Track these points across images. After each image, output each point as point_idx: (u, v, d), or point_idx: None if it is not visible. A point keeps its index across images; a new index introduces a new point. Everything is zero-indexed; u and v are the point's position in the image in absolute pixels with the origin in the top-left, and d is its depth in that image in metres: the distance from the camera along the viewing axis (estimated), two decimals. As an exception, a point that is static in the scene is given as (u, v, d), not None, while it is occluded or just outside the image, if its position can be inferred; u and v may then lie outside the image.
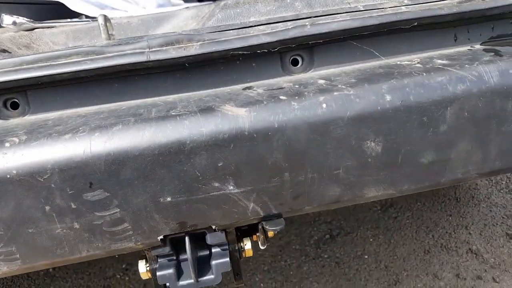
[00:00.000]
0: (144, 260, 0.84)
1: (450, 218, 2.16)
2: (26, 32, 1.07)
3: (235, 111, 0.70)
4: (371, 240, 2.11)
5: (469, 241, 2.00)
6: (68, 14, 1.30)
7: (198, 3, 1.40)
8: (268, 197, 0.74)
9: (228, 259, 0.78)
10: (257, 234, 0.90)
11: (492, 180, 2.39)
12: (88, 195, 0.68)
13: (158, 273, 0.78)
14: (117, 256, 2.16)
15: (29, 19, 1.09)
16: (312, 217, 2.31)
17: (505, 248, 1.93)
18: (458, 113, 0.74)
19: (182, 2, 1.47)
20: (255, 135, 0.70)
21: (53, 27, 1.09)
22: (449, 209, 2.23)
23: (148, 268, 0.83)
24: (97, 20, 0.90)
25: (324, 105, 0.71)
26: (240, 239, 0.87)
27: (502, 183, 2.35)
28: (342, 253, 2.05)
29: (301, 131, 0.71)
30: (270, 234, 0.92)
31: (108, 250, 0.73)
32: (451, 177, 0.78)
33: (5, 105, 0.77)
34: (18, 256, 0.71)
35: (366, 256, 2.01)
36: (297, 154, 0.72)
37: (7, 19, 1.08)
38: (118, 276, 2.08)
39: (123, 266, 2.13)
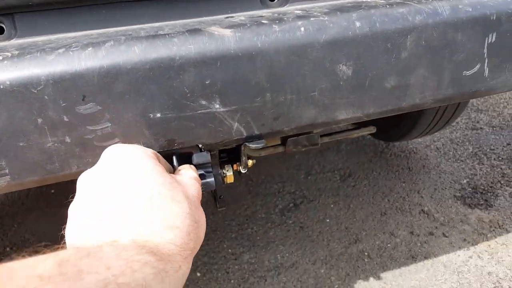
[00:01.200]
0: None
1: (404, 184, 2.32)
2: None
3: (221, 32, 0.75)
4: (332, 206, 2.22)
5: (421, 203, 2.16)
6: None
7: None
8: (251, 117, 0.80)
9: (213, 179, 0.83)
10: (237, 163, 0.96)
11: (440, 151, 2.58)
12: (80, 108, 0.71)
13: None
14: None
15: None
16: (277, 189, 2.40)
17: (453, 208, 2.10)
18: (416, 41, 0.83)
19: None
20: (240, 54, 0.75)
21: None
22: (402, 176, 2.39)
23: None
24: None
25: (302, 29, 0.78)
26: (222, 166, 0.93)
27: (450, 154, 2.55)
28: (306, 219, 2.15)
29: (282, 52, 0.77)
30: (250, 163, 0.98)
31: (99, 166, 0.76)
32: (410, 101, 0.88)
33: (-10, 29, 0.78)
34: (7, 171, 0.73)
35: (328, 220, 2.12)
36: (278, 75, 0.78)
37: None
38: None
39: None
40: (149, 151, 0.70)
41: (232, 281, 1.84)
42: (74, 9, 0.79)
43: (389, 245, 1.93)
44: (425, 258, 1.84)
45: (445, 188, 2.25)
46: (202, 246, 2.03)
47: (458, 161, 2.47)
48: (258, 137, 0.83)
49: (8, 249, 2.09)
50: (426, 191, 2.25)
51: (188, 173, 0.73)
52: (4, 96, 0.68)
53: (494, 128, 2.78)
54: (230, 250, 2.00)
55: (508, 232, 1.94)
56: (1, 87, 0.68)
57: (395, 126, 2.28)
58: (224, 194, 0.91)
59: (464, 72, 0.89)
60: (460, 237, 1.92)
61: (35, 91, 0.69)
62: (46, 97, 0.69)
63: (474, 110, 3.03)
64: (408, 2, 0.83)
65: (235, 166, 0.95)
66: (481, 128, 2.80)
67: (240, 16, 0.83)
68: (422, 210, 2.12)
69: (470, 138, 2.69)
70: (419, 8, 0.83)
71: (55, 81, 0.69)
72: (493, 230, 1.95)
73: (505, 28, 0.89)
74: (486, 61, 0.91)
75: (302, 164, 2.62)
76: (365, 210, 2.16)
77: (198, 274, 1.88)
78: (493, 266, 1.76)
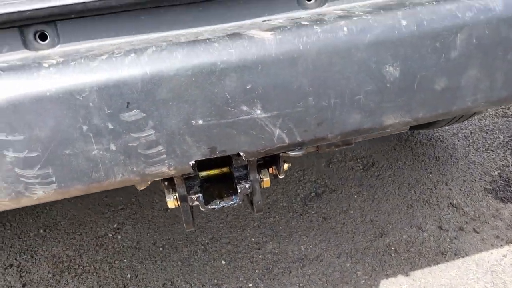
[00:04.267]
0: (170, 189, 0.87)
1: (431, 175, 2.28)
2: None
3: (261, 35, 0.73)
4: (355, 196, 2.19)
5: (449, 196, 2.12)
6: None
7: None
8: (293, 123, 0.79)
9: (250, 183, 0.82)
10: (273, 167, 0.95)
11: (469, 140, 2.52)
12: (125, 115, 0.70)
13: (189, 197, 0.81)
14: (107, 216, 2.16)
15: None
16: (297, 177, 2.37)
17: (484, 202, 2.05)
18: (467, 40, 0.80)
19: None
20: (281, 57, 0.73)
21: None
22: (429, 167, 2.34)
23: (175, 197, 0.86)
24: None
25: (345, 29, 0.75)
26: (259, 171, 0.92)
27: (479, 143, 2.49)
28: (329, 209, 2.12)
29: (324, 54, 0.75)
30: (286, 167, 0.97)
31: (142, 174, 0.76)
32: (461, 105, 0.85)
33: (34, 37, 0.77)
34: (54, 179, 0.73)
35: (352, 211, 2.10)
36: (321, 78, 0.76)
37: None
38: (110, 235, 2.09)
39: (115, 225, 2.14)
40: None
41: (256, 271, 1.84)
42: (114, 16, 0.78)
43: (416, 240, 1.90)
44: (455, 255, 1.80)
45: (475, 180, 2.20)
46: (225, 233, 1.99)
47: (488, 151, 2.41)
48: (300, 145, 0.82)
49: (41, 231, 2.14)
50: (454, 182, 2.20)
51: None
52: (50, 103, 0.68)
53: (525, 116, 2.69)
54: (253, 239, 2.00)
55: (545, 229, 1.88)
56: (47, 94, 0.68)
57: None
58: (261, 199, 0.90)
59: (521, 71, 0.85)
60: (492, 233, 1.87)
61: (80, 98, 0.68)
62: (90, 103, 0.69)
63: (503, 97, 2.94)
64: (457, -1, 0.80)
65: (270, 169, 0.95)
66: None
67: (278, 19, 0.81)
68: (451, 203, 2.08)
69: (501, 126, 2.61)
70: (469, 4, 0.79)
71: (99, 87, 0.69)
72: (529, 227, 1.90)
73: None
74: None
75: (323, 152, 2.59)
76: (391, 201, 2.13)
77: (223, 262, 1.88)
78: (530, 266, 1.72)
